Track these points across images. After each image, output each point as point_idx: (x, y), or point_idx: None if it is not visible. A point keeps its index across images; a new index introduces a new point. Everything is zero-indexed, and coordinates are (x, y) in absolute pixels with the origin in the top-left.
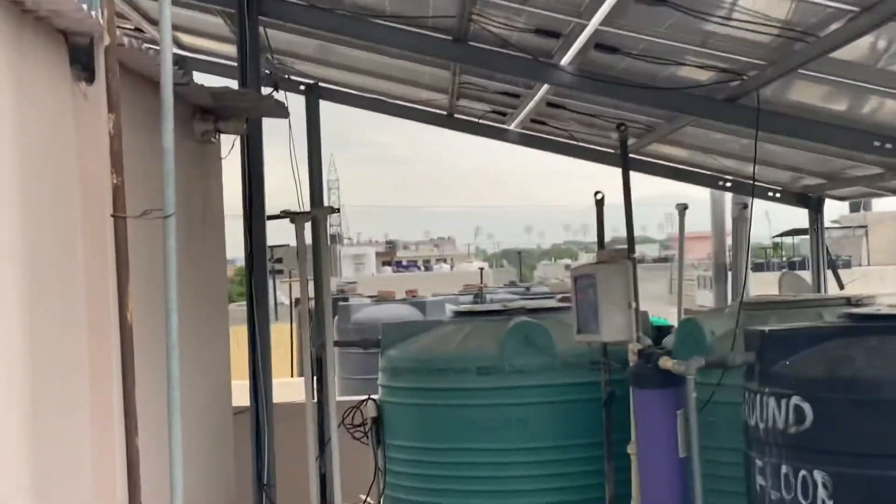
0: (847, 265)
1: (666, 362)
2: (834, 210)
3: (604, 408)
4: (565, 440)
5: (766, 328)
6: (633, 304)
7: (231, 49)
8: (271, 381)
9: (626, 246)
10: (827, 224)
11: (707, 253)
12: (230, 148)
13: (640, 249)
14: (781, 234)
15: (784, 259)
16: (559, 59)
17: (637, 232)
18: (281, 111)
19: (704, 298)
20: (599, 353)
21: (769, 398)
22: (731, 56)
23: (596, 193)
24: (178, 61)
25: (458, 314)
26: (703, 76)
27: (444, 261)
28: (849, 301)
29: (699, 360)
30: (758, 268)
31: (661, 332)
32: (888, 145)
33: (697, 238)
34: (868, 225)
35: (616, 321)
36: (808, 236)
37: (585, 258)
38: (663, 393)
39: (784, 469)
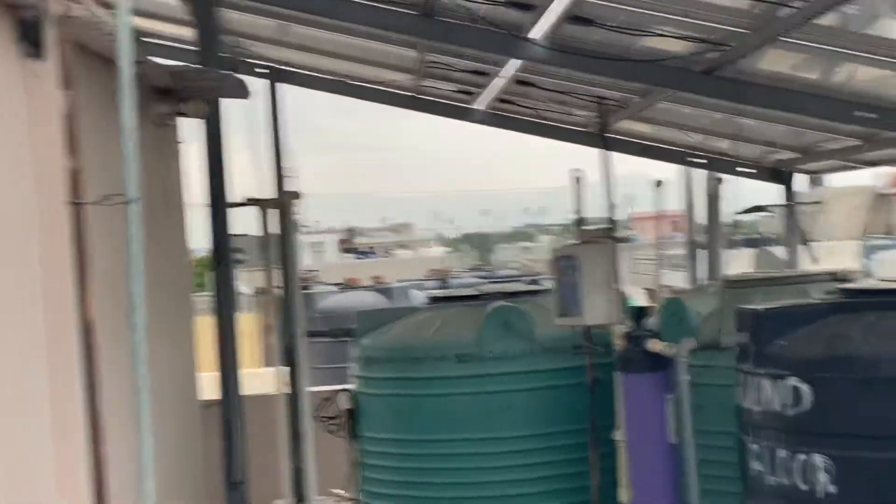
0: (804, 241)
1: (655, 345)
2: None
3: (588, 393)
4: (548, 428)
5: (760, 307)
6: (615, 286)
7: (188, 32)
8: (240, 372)
9: (606, 226)
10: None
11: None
12: (189, 132)
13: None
14: (745, 212)
15: (743, 237)
16: (530, 32)
17: (597, 213)
18: (242, 91)
19: (672, 279)
20: (582, 337)
21: (764, 380)
22: (712, 25)
23: (574, 172)
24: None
25: (434, 300)
26: (680, 47)
27: (405, 246)
28: (834, 276)
29: (690, 341)
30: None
31: (639, 313)
32: (870, 114)
33: (656, 217)
34: (824, 201)
35: (599, 304)
36: (765, 213)
37: (545, 241)
38: (652, 377)
39: (781, 453)
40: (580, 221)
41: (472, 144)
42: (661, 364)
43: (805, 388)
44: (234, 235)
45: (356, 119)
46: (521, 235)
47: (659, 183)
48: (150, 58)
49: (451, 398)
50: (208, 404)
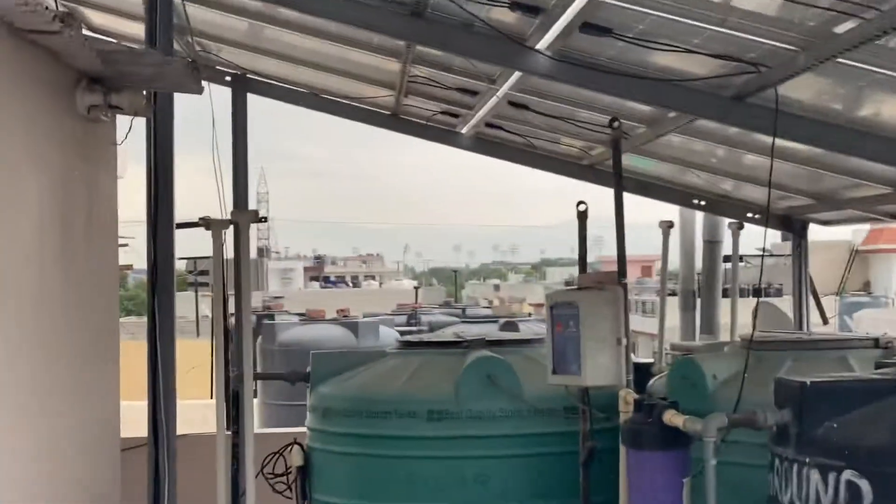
0: (779, 293)
1: (674, 418)
2: (755, 239)
3: (581, 466)
4: (533, 502)
5: (806, 379)
6: (624, 341)
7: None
8: (175, 409)
9: (615, 269)
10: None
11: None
12: (128, 130)
13: (569, 272)
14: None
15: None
16: (536, 41)
17: (566, 253)
18: (191, 84)
19: (647, 325)
20: (578, 399)
21: (811, 470)
22: (751, 39)
23: (578, 204)
24: (64, 17)
25: (405, 344)
26: (706, 68)
27: (373, 277)
28: (877, 343)
29: (720, 417)
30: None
31: (638, 371)
32: None
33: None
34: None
35: (602, 361)
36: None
37: (514, 278)
38: (666, 456)
39: None
40: (583, 261)
41: (444, 180)
42: (678, 441)
43: (864, 485)
44: (199, 258)
45: (328, 146)
46: (490, 272)
47: (670, 224)
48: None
49: (421, 462)
50: (136, 445)
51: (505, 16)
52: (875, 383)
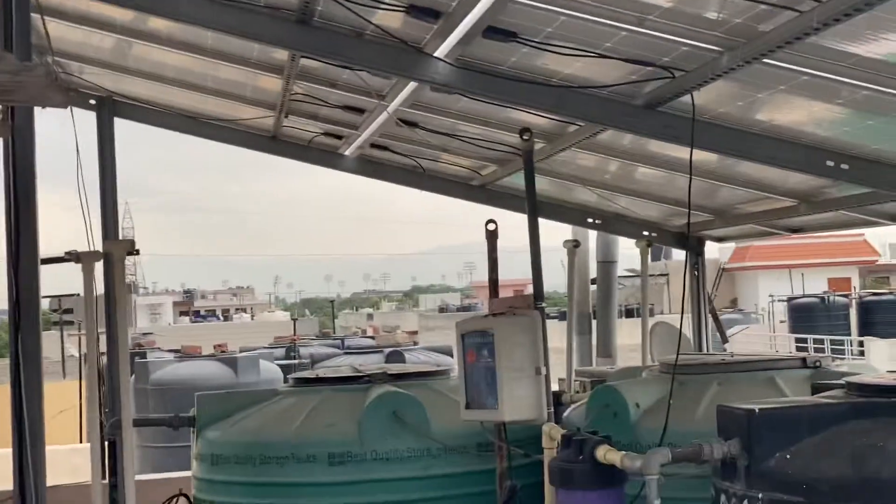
0: (651, 313)
1: (609, 454)
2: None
3: None
4: None
5: (752, 406)
6: (543, 370)
7: None
8: (44, 459)
9: (529, 293)
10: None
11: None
12: None
13: (442, 298)
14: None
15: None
16: (434, 48)
17: (437, 280)
18: (56, 95)
19: None
20: (495, 435)
21: None
22: (669, 39)
23: (487, 223)
24: None
25: (299, 381)
26: (616, 74)
27: (245, 310)
28: (804, 363)
29: (663, 452)
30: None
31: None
32: (843, 165)
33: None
34: (669, 273)
35: (521, 393)
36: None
37: (386, 306)
38: (602, 494)
39: None
40: (494, 284)
41: (315, 211)
42: (613, 478)
43: None
44: (63, 296)
45: (199, 179)
46: (363, 301)
47: (650, 244)
48: None
49: None
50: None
51: (399, 23)
52: (826, 408)
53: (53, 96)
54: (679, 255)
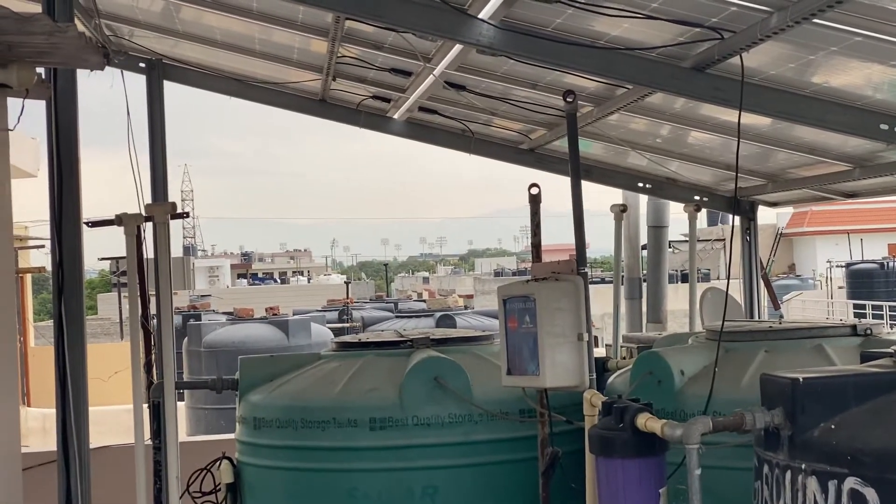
0: (707, 278)
1: (649, 422)
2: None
3: (541, 475)
4: None
5: (796, 374)
6: (586, 337)
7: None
8: (87, 421)
9: (573, 257)
10: (678, 237)
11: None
12: (20, 113)
13: (497, 262)
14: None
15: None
16: (478, 10)
17: (493, 244)
18: (91, 56)
19: None
20: (536, 401)
21: (808, 478)
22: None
23: (530, 187)
24: None
25: (342, 346)
26: (662, 37)
27: (301, 273)
28: (854, 330)
29: (704, 421)
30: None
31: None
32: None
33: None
34: (725, 238)
35: (562, 360)
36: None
37: (442, 270)
38: (642, 463)
39: None
40: (537, 249)
41: (368, 174)
42: (653, 446)
43: (870, 494)
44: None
45: (250, 142)
46: (418, 265)
47: (698, 208)
48: None
49: (363, 475)
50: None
51: None
52: (874, 377)
53: (90, 58)
54: (737, 220)
